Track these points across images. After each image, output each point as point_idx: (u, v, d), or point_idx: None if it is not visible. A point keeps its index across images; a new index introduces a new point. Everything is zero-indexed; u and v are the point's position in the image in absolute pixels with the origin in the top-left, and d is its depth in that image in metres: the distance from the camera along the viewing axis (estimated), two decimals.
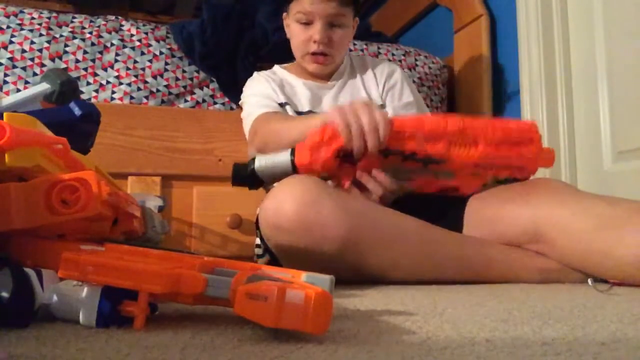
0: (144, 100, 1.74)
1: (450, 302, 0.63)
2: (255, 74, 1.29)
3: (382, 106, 1.23)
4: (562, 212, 0.82)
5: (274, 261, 0.93)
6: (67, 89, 0.85)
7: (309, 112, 1.18)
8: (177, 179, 1.45)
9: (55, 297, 0.46)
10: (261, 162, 0.89)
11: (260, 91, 1.21)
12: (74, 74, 1.65)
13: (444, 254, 0.86)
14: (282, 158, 0.88)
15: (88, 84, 1.68)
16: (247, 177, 0.89)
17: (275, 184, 0.88)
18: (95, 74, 1.69)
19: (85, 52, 1.74)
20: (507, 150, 0.87)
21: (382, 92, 1.25)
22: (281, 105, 1.18)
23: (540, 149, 0.88)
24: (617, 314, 0.52)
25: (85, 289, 0.45)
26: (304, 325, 0.38)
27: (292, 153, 0.87)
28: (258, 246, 1.07)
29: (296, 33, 1.18)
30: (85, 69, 1.68)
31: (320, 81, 1.25)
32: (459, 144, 0.87)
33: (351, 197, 0.87)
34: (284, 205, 0.79)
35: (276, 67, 1.31)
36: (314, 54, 1.17)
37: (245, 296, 0.40)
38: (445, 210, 0.95)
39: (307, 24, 1.15)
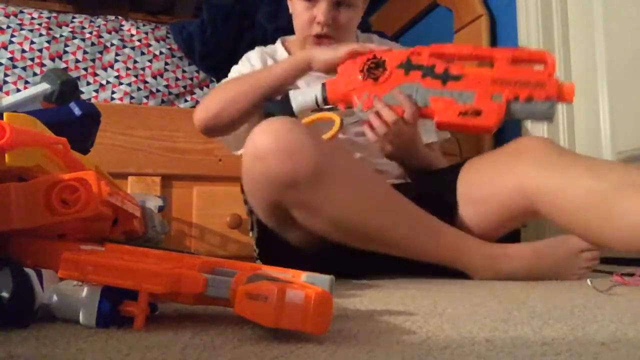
0: (144, 100, 1.74)
1: (450, 302, 0.63)
2: (251, 52, 1.20)
3: None
4: (550, 187, 0.83)
5: (266, 256, 0.94)
6: (67, 89, 0.85)
7: None
8: (177, 179, 1.45)
9: (55, 297, 0.46)
10: (296, 90, 0.99)
11: (240, 70, 1.15)
12: (74, 74, 1.65)
13: (405, 220, 0.87)
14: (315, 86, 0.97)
15: (88, 84, 1.68)
16: (280, 102, 0.97)
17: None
18: (95, 74, 1.69)
19: (85, 52, 1.74)
20: (521, 69, 0.88)
21: None
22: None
23: (554, 74, 0.87)
24: (617, 314, 0.52)
25: (85, 289, 0.45)
26: (304, 325, 0.38)
27: (323, 83, 0.96)
28: (257, 245, 1.06)
29: (299, 12, 1.07)
30: (85, 69, 1.68)
31: None
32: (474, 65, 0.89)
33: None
34: (263, 135, 0.81)
35: (278, 45, 1.22)
36: (317, 36, 1.06)
37: (245, 296, 0.39)
38: (437, 192, 0.96)
39: (311, 1, 1.04)
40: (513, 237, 0.99)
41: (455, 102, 0.89)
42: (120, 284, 0.44)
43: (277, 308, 0.38)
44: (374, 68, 0.93)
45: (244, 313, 0.39)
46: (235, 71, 1.17)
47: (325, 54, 0.96)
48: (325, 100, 0.96)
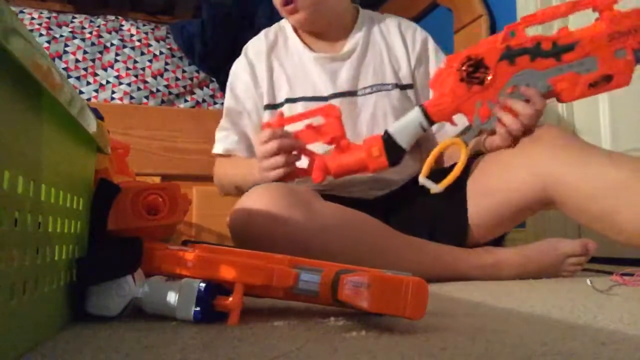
0: (144, 100, 1.74)
1: (450, 302, 0.63)
2: (238, 64, 1.14)
3: (410, 86, 1.08)
4: (566, 176, 0.81)
5: None
6: None
7: (320, 98, 1.04)
8: (177, 179, 1.45)
9: (148, 291, 0.48)
10: (392, 126, 0.89)
11: (232, 105, 1.11)
12: (74, 74, 1.65)
13: (404, 260, 0.85)
14: (412, 111, 0.88)
15: (88, 84, 1.68)
16: (387, 148, 0.88)
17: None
18: (95, 74, 1.69)
19: (85, 52, 1.74)
20: (631, 10, 0.79)
21: (412, 66, 1.09)
22: (274, 107, 1.07)
23: None
24: (617, 314, 0.52)
25: (182, 284, 0.47)
26: (403, 311, 0.41)
27: (420, 106, 0.87)
28: None
29: None
30: (85, 69, 1.68)
31: (331, 48, 1.10)
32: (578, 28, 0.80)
33: (319, 202, 0.85)
34: (253, 218, 0.79)
35: (289, 32, 1.13)
36: (284, 4, 1.03)
37: (348, 284, 0.42)
38: (448, 191, 0.89)
39: None
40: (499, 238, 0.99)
41: (579, 75, 0.81)
42: (222, 277, 0.47)
43: (379, 294, 0.41)
44: (474, 71, 0.83)
45: (347, 299, 0.42)
46: (229, 84, 1.14)
47: (265, 176, 0.89)
48: (431, 123, 0.87)
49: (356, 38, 1.09)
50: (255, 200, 0.81)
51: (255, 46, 1.13)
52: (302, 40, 1.11)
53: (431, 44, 1.12)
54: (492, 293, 0.71)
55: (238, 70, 1.14)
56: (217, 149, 1.12)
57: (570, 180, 0.81)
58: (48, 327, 0.40)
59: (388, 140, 0.88)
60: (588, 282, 0.78)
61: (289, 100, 1.06)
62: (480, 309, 0.56)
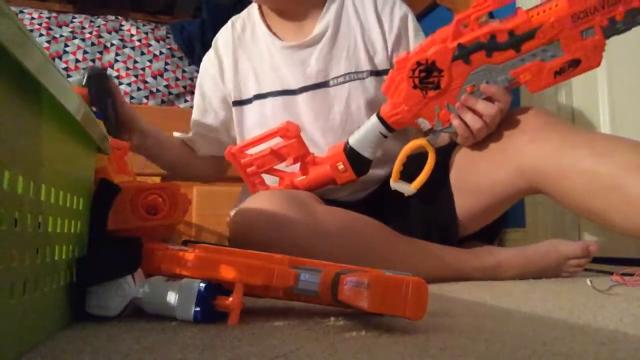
0: (144, 100, 1.74)
1: (450, 302, 0.63)
2: (206, 60, 1.12)
3: (386, 72, 0.96)
4: (550, 169, 0.77)
5: None
6: (93, 73, 0.89)
7: (289, 92, 1.00)
8: (177, 179, 1.45)
9: (148, 291, 0.48)
10: (353, 137, 0.87)
11: (199, 102, 1.10)
12: (73, 74, 1.65)
13: (407, 263, 0.84)
14: (371, 120, 0.86)
15: None
16: (351, 161, 0.87)
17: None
18: None
19: (85, 52, 1.74)
20: None
21: (390, 49, 1.02)
22: (242, 103, 1.05)
23: None
24: (617, 314, 0.52)
25: (182, 285, 0.47)
26: (403, 311, 0.41)
27: (377, 113, 0.85)
28: None
29: None
30: (85, 69, 1.68)
31: (300, 31, 1.03)
32: (535, 8, 0.73)
33: (321, 207, 0.84)
34: (254, 225, 0.79)
35: (256, 17, 1.07)
36: None
37: (348, 284, 0.42)
38: (431, 189, 0.87)
39: None
40: (494, 229, 0.99)
41: (544, 63, 0.74)
42: (222, 277, 0.47)
43: (379, 294, 0.41)
44: (427, 76, 0.77)
45: (347, 299, 0.42)
46: (198, 79, 1.13)
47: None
48: (391, 130, 0.85)
49: (327, 19, 1.02)
50: (257, 207, 0.80)
51: (223, 37, 1.10)
52: (268, 26, 1.05)
53: (411, 22, 1.03)
54: (492, 293, 0.71)
55: (206, 64, 1.11)
56: (181, 134, 1.13)
57: (552, 173, 0.77)
58: (48, 327, 0.40)
59: (351, 153, 0.87)
60: (588, 282, 0.78)
61: (258, 97, 1.03)
62: (480, 309, 0.56)
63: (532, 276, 0.91)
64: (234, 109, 1.06)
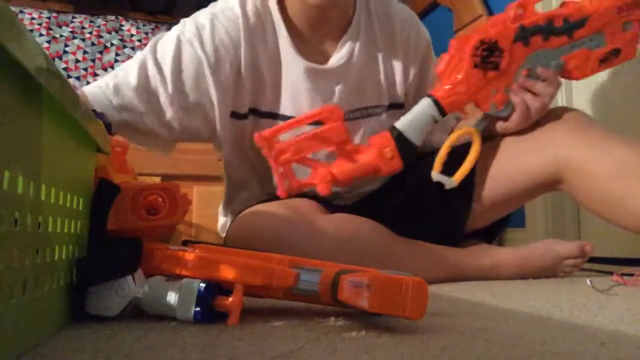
0: None
1: (450, 302, 0.63)
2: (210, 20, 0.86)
3: (401, 105, 0.96)
4: (583, 156, 0.79)
5: None
6: None
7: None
8: (177, 179, 1.45)
9: (148, 291, 0.48)
10: (400, 122, 0.80)
11: (171, 73, 0.84)
12: (73, 74, 1.65)
13: (409, 267, 0.83)
14: (422, 103, 0.80)
15: (88, 83, 1.68)
16: (400, 147, 0.79)
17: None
18: (95, 74, 1.69)
19: (85, 52, 1.74)
20: None
21: (410, 80, 0.97)
22: (242, 116, 0.89)
23: None
24: (617, 314, 0.52)
25: (181, 285, 0.47)
26: (403, 311, 0.41)
27: (429, 95, 0.80)
28: None
29: None
30: (85, 69, 1.68)
31: (321, 47, 0.91)
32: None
33: (322, 218, 0.83)
34: (254, 242, 0.77)
35: (276, 17, 0.88)
36: None
37: (348, 284, 0.42)
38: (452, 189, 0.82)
39: None
40: (495, 229, 0.99)
41: (590, 51, 0.80)
42: (222, 277, 0.47)
43: (379, 294, 0.41)
44: (488, 56, 0.77)
45: (347, 299, 0.42)
46: (175, 48, 0.86)
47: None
48: (443, 114, 0.80)
49: (351, 45, 0.91)
50: (255, 221, 0.80)
51: (228, 26, 0.86)
52: (289, 33, 0.89)
53: (431, 50, 1.00)
54: (492, 293, 0.71)
55: (197, 50, 0.85)
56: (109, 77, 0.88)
57: (585, 161, 0.79)
58: (48, 327, 0.40)
59: (399, 138, 0.80)
60: (588, 282, 0.78)
61: (267, 115, 0.89)
62: (480, 309, 0.56)
63: (529, 276, 0.91)
64: (230, 120, 0.90)
